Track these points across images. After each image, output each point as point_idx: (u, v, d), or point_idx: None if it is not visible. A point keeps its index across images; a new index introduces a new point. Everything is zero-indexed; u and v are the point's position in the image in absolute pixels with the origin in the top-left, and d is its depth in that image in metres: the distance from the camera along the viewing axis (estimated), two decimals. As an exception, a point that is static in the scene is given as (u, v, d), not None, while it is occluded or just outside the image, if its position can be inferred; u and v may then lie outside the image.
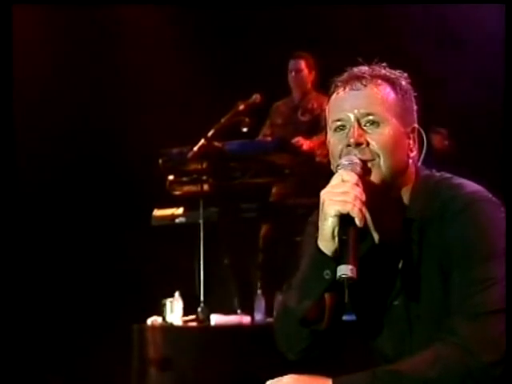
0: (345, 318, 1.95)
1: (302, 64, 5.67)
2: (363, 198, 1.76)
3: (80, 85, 5.97)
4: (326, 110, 1.96)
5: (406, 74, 1.95)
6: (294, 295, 1.87)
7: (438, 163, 1.98)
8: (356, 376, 1.75)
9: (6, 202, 3.26)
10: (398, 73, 1.94)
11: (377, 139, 1.86)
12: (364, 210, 1.76)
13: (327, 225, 1.77)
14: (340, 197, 1.76)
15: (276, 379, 1.78)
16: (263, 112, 5.71)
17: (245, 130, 5.29)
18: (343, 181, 1.78)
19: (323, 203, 1.78)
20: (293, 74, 5.70)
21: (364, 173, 1.82)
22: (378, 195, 1.84)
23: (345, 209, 1.74)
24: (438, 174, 1.95)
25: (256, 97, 5.34)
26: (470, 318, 1.74)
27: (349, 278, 1.70)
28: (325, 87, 2.02)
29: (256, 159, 5.38)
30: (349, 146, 1.86)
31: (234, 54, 6.10)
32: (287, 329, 1.91)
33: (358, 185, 1.77)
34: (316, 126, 5.45)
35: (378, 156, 1.85)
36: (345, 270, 1.70)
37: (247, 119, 5.27)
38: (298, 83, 5.71)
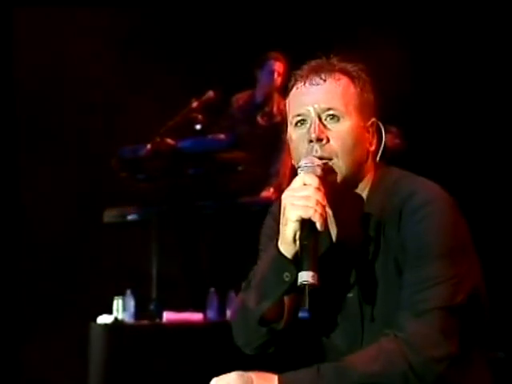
0: (299, 315, 1.96)
1: (282, 68, 5.43)
2: (325, 202, 1.77)
3: (30, 81, 5.89)
4: (286, 105, 1.95)
5: (363, 66, 1.94)
6: (253, 295, 1.86)
7: (389, 162, 2.00)
8: (301, 372, 1.77)
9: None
10: (355, 65, 1.93)
11: (337, 136, 1.86)
12: (325, 214, 1.76)
13: (288, 229, 1.77)
14: (301, 201, 1.75)
15: (222, 376, 1.77)
16: (218, 108, 5.67)
17: (198, 127, 5.27)
18: (305, 184, 1.78)
19: (284, 207, 1.78)
20: (275, 75, 5.46)
21: (325, 174, 1.82)
22: (338, 193, 1.85)
23: (307, 214, 1.74)
24: (396, 170, 1.96)
25: (210, 94, 5.31)
26: (416, 314, 1.76)
27: (310, 285, 1.71)
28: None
29: (209, 157, 5.36)
30: (311, 141, 1.86)
31: (187, 51, 6.07)
32: (245, 326, 1.91)
33: (319, 189, 1.77)
34: (272, 135, 5.31)
35: (338, 154, 1.85)
36: (306, 277, 1.70)
37: (201, 116, 5.25)
38: (273, 86, 5.49)
